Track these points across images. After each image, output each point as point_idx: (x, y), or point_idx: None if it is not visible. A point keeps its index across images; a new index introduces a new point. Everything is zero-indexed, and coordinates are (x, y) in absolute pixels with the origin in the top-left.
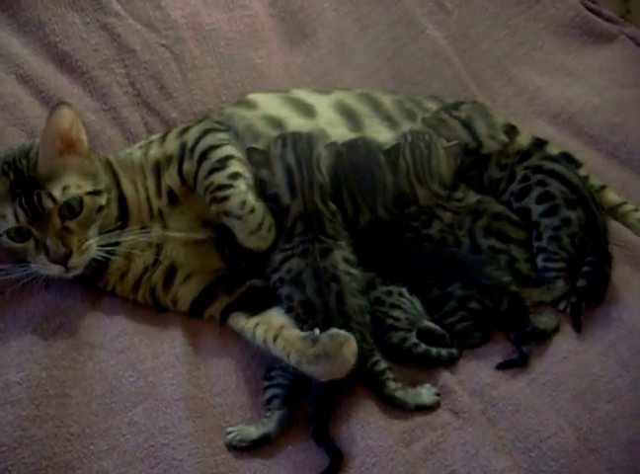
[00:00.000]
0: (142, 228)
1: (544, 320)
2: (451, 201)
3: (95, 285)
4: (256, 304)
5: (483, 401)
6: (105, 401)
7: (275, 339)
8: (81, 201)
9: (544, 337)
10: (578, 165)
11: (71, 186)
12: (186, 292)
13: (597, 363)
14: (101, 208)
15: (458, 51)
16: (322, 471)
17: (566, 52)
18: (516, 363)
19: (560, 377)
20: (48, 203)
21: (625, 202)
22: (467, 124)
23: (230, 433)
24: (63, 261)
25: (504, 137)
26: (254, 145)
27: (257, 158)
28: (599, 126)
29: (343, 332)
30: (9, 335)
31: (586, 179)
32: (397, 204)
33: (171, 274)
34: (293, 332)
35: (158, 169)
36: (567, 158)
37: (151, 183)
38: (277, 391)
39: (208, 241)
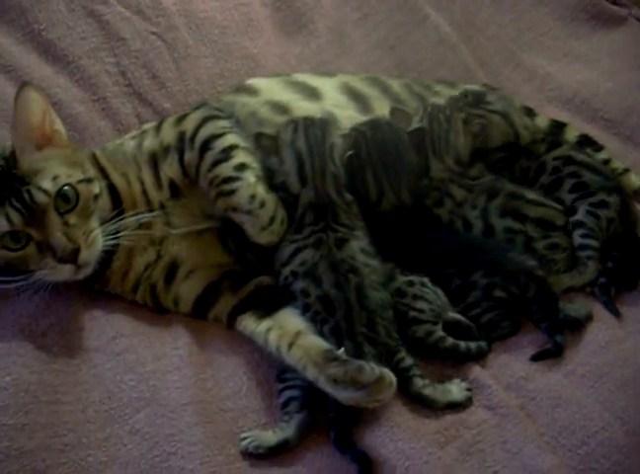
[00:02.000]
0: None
1: (576, 308)
2: (465, 179)
3: (92, 288)
4: (266, 304)
5: (520, 395)
6: (102, 407)
7: (289, 347)
8: (75, 191)
9: (578, 325)
10: (599, 148)
11: (61, 175)
12: (188, 290)
13: (637, 353)
14: (96, 197)
15: (464, 38)
16: None
17: (574, 37)
18: (550, 354)
19: (600, 368)
20: (41, 197)
21: None
22: (507, 117)
23: (245, 439)
24: (73, 258)
25: (529, 121)
26: (262, 131)
27: (265, 144)
28: (614, 110)
29: (377, 368)
30: None
31: (608, 162)
32: (420, 189)
33: (172, 270)
34: (312, 339)
35: (155, 160)
36: (587, 141)
37: (148, 175)
38: (293, 393)
39: (211, 232)
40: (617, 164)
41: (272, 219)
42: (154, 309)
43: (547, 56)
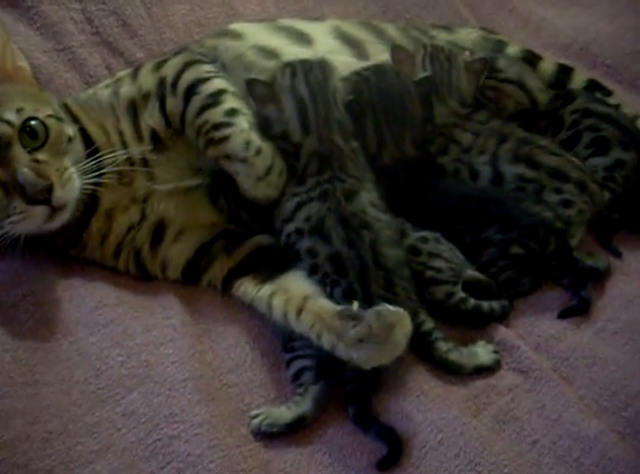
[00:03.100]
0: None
1: (592, 259)
2: (471, 122)
3: (67, 254)
4: (267, 266)
5: (551, 356)
6: (89, 388)
7: (298, 313)
8: (44, 126)
9: (597, 276)
10: (608, 93)
11: (26, 108)
12: (177, 253)
13: None
14: (70, 140)
15: None
16: (380, 458)
17: None
18: (577, 311)
19: (633, 324)
20: (4, 129)
21: None
22: (522, 86)
23: (256, 417)
24: (46, 197)
25: (542, 83)
26: (255, 76)
27: (260, 92)
28: (617, 55)
29: (393, 308)
30: None
31: (618, 107)
32: (424, 141)
33: (159, 231)
34: (323, 303)
35: (134, 109)
36: (596, 86)
37: (127, 125)
38: (305, 362)
39: (200, 189)
40: (627, 110)
41: (269, 169)
42: (139, 276)
43: (542, 1)
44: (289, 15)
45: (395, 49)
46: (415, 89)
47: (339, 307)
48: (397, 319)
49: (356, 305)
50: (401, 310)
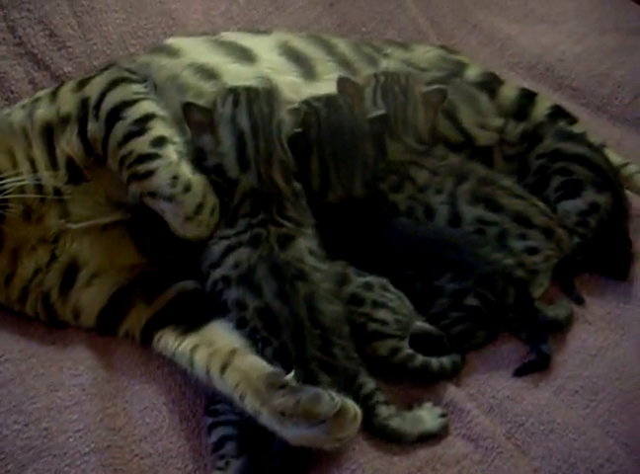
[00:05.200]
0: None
1: (553, 308)
2: (429, 158)
3: None
4: (191, 316)
5: (505, 421)
6: None
7: (222, 369)
8: None
9: (557, 327)
10: (573, 120)
11: None
12: (90, 299)
13: (634, 360)
14: None
15: None
16: None
17: None
18: (536, 367)
19: (595, 381)
20: None
21: (628, 163)
22: (449, 114)
23: None
24: None
25: (497, 121)
26: (193, 101)
27: (196, 118)
28: (583, 77)
29: (338, 397)
30: None
31: (583, 136)
32: (376, 178)
33: (71, 274)
34: (252, 360)
35: (50, 133)
36: (560, 113)
37: (40, 152)
38: (228, 431)
39: (120, 226)
40: (593, 139)
41: (199, 207)
42: (50, 323)
43: (507, 17)
44: (237, 26)
45: (341, 81)
46: (370, 126)
47: (270, 369)
48: (337, 406)
49: (291, 375)
50: (349, 404)
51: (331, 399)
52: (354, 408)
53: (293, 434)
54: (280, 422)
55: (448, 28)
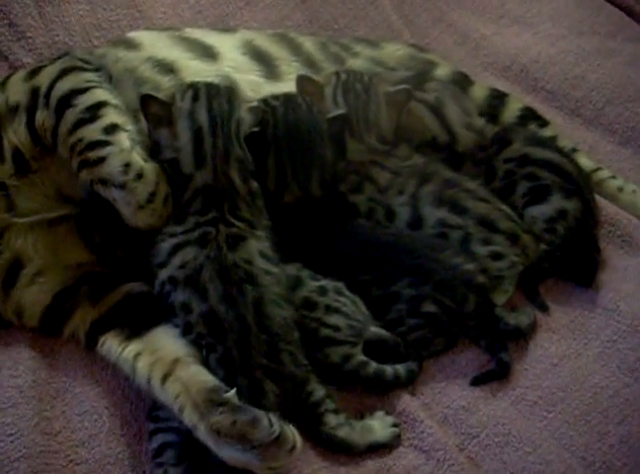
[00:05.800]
0: None
1: (515, 315)
2: (391, 158)
3: None
4: (136, 320)
5: (459, 432)
6: None
7: (164, 379)
8: None
9: (519, 335)
10: (544, 123)
11: None
12: (33, 298)
13: (596, 370)
14: None
15: None
16: None
17: None
18: (495, 376)
19: (554, 392)
20: None
21: (599, 168)
22: (437, 111)
23: None
24: None
25: (480, 123)
26: (152, 93)
27: (154, 111)
28: (557, 80)
29: (278, 424)
30: None
31: (553, 139)
32: (335, 179)
33: (13, 271)
34: (195, 371)
35: None
36: (532, 115)
37: None
38: (168, 438)
39: (68, 221)
40: (565, 142)
41: (152, 195)
42: None
43: (482, 17)
44: (206, 21)
45: (301, 79)
46: (328, 126)
47: (213, 383)
48: (272, 439)
49: (233, 392)
50: (288, 433)
51: (269, 425)
52: (294, 437)
53: (228, 454)
54: (215, 440)
55: (423, 26)
